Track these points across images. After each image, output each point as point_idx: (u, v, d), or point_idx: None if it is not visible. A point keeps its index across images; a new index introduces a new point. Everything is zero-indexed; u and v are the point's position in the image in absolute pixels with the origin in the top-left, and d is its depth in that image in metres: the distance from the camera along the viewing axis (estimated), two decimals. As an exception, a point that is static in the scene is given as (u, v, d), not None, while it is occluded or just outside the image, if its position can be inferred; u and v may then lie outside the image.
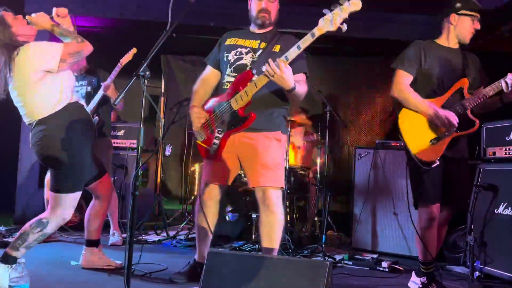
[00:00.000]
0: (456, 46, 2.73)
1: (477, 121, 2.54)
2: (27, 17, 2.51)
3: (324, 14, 2.25)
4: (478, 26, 2.63)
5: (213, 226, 2.69)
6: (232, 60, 2.55)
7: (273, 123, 2.54)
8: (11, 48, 2.42)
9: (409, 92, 2.61)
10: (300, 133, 5.27)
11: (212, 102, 2.59)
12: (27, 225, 2.48)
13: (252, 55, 2.53)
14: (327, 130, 4.35)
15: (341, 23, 2.19)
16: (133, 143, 4.58)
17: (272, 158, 2.50)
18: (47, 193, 3.69)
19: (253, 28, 2.67)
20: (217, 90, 2.70)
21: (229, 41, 2.65)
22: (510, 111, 3.38)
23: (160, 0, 4.56)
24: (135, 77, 2.10)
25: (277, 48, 2.53)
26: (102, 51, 3.12)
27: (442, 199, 2.63)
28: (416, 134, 2.60)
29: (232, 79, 2.51)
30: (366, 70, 5.94)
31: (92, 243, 2.94)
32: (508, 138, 3.21)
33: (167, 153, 5.33)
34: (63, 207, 2.50)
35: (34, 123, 2.51)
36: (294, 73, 2.31)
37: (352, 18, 5.73)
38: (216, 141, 2.50)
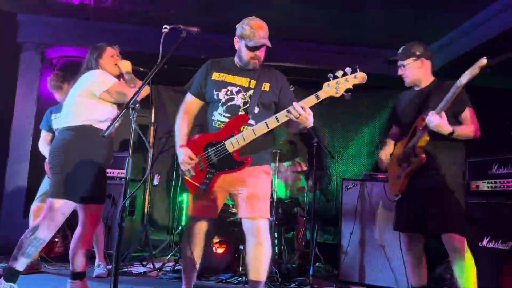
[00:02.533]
0: (423, 86, 2.86)
1: (421, 156, 2.66)
2: (118, 62, 3.03)
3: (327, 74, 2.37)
4: (400, 72, 2.87)
5: (199, 260, 2.68)
6: (223, 100, 2.56)
7: (261, 158, 2.60)
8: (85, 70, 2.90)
9: (388, 140, 3.08)
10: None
11: (202, 140, 2.57)
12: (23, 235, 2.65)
13: (244, 95, 2.55)
14: (315, 161, 4.40)
15: (345, 91, 2.32)
16: (121, 173, 4.56)
17: (262, 189, 2.55)
18: (33, 222, 3.64)
19: (239, 63, 2.66)
20: (202, 126, 2.70)
21: (216, 76, 2.63)
22: (492, 146, 3.48)
23: (152, 32, 4.67)
24: (125, 109, 2.14)
25: (266, 86, 2.58)
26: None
27: (413, 227, 2.79)
28: (391, 172, 2.95)
29: (225, 119, 2.53)
30: (353, 103, 6.05)
31: (76, 276, 2.87)
32: (490, 172, 3.29)
33: (155, 183, 5.31)
34: (51, 212, 2.64)
35: (63, 128, 2.81)
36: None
37: (340, 53, 5.89)
38: (207, 180, 2.53)
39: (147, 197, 5.10)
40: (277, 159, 4.57)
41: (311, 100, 2.35)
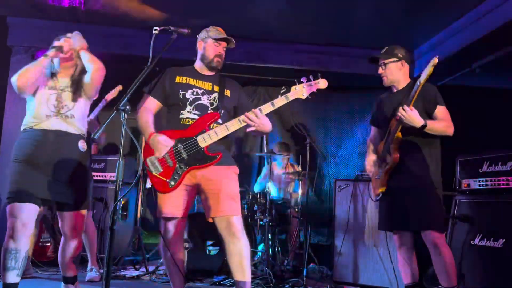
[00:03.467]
0: (400, 88, 2.95)
1: (394, 155, 2.78)
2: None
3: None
4: (379, 71, 2.96)
5: (182, 262, 2.67)
6: (190, 99, 2.64)
7: (230, 159, 2.69)
8: None
9: (369, 143, 3.17)
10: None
11: (171, 135, 2.57)
12: None
13: (208, 97, 2.67)
14: (308, 162, 4.41)
15: (310, 95, 2.61)
16: (113, 176, 4.54)
17: (234, 189, 2.60)
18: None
19: (200, 69, 2.78)
20: (168, 122, 2.70)
21: (179, 79, 2.70)
22: (483, 144, 3.51)
23: (142, 35, 4.66)
24: (115, 111, 2.13)
25: (228, 92, 2.74)
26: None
27: (395, 225, 2.88)
28: (373, 172, 3.03)
29: (194, 116, 2.61)
30: (345, 103, 6.09)
31: (68, 280, 2.84)
32: (481, 170, 3.31)
33: (148, 185, 5.29)
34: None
35: None
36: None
37: (331, 54, 5.92)
38: (176, 176, 2.53)
39: (140, 200, 5.07)
40: (270, 160, 4.58)
41: (281, 101, 2.57)
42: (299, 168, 5.03)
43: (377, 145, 3.07)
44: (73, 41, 2.85)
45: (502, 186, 3.18)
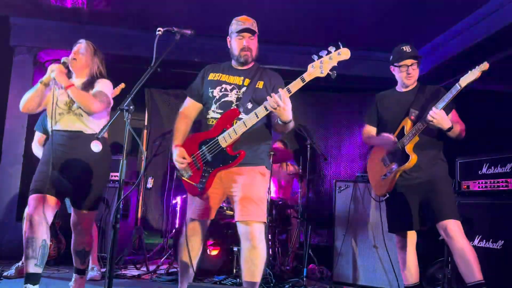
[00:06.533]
0: (408, 88, 2.95)
1: (413, 156, 2.75)
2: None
3: (311, 59, 2.33)
4: (410, 71, 2.88)
5: (196, 262, 2.66)
6: (217, 97, 2.58)
7: (258, 157, 2.56)
8: None
9: (369, 137, 3.07)
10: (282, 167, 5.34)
11: (197, 139, 2.57)
12: None
13: (237, 92, 2.56)
14: (308, 163, 4.43)
15: (331, 70, 2.28)
16: (115, 176, 4.56)
17: (256, 192, 2.48)
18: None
19: (235, 64, 2.70)
20: (200, 125, 2.72)
21: (212, 76, 2.67)
22: (482, 146, 3.53)
23: (145, 36, 4.68)
24: (119, 111, 2.15)
25: (260, 84, 2.58)
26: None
27: (408, 226, 2.83)
28: (374, 171, 2.99)
29: (218, 115, 2.54)
30: (345, 104, 6.11)
31: (77, 271, 2.98)
32: (481, 172, 3.33)
33: (149, 185, 5.31)
34: None
35: None
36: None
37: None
38: (204, 179, 2.50)
39: (141, 200, 5.10)
40: (271, 161, 4.60)
41: (297, 83, 2.31)
42: (299, 169, 5.04)
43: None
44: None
45: (501, 188, 3.20)
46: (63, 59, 2.90)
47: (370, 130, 3.09)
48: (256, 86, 2.57)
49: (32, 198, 2.66)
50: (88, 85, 2.90)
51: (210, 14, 4.71)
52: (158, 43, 2.35)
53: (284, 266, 4.34)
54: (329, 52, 2.29)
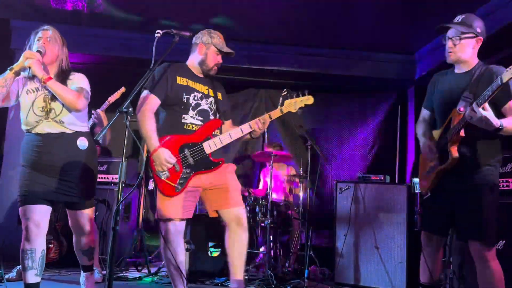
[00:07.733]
0: (463, 70, 2.49)
1: (453, 156, 2.36)
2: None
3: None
4: (450, 45, 2.46)
5: (183, 264, 2.68)
6: (193, 104, 2.69)
7: (229, 158, 2.88)
8: None
9: (418, 126, 2.73)
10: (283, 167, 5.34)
11: (178, 142, 2.61)
12: None
13: (206, 102, 2.75)
14: (309, 164, 4.42)
15: (299, 109, 2.85)
16: (116, 178, 4.57)
17: (238, 182, 2.80)
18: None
19: (196, 71, 2.80)
20: (170, 126, 2.66)
21: (180, 80, 2.69)
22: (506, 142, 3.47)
23: (144, 38, 4.69)
24: (118, 114, 2.15)
25: (220, 95, 2.85)
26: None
27: (439, 231, 2.58)
28: (424, 163, 2.65)
29: (198, 122, 2.69)
30: (346, 105, 6.10)
31: (84, 268, 2.89)
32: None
33: (150, 187, 5.31)
34: None
35: None
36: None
37: (332, 56, 5.92)
38: (182, 181, 2.59)
39: (142, 202, 5.09)
40: (271, 162, 4.59)
41: (277, 113, 2.80)
42: (300, 170, 5.03)
43: (428, 130, 2.64)
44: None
45: (502, 188, 3.19)
46: (37, 47, 2.54)
47: (424, 114, 2.70)
48: (218, 98, 2.83)
49: (23, 210, 2.53)
50: (60, 79, 2.60)
51: (209, 15, 4.72)
52: (157, 45, 2.36)
53: (286, 268, 4.34)
54: (298, 95, 2.85)
